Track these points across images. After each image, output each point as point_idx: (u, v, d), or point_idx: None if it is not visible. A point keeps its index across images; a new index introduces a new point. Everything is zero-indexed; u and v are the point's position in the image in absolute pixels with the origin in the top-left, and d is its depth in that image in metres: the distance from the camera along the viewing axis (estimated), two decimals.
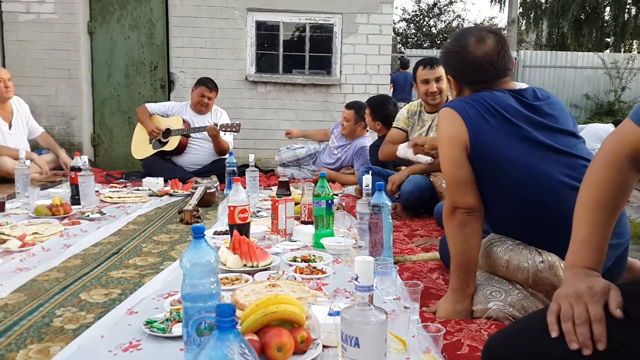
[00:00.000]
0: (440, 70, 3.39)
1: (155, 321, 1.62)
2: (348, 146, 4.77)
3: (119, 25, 6.37)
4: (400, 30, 24.05)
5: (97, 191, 3.84)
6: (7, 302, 1.85)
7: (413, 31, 24.43)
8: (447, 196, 1.76)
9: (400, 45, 22.68)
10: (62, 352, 1.48)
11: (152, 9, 6.31)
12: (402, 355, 1.45)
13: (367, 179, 2.45)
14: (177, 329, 1.54)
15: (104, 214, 3.26)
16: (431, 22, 24.33)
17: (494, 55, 1.80)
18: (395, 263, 2.26)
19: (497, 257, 1.77)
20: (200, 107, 4.92)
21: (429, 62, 3.46)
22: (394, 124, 3.81)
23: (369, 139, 4.74)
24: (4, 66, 5.94)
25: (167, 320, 1.62)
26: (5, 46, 6.17)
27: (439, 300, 1.83)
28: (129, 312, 1.76)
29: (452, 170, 1.72)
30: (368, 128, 4.63)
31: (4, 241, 2.50)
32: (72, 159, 3.68)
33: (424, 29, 24.22)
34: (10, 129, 4.62)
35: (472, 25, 23.34)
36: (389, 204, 2.16)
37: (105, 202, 3.70)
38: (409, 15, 24.34)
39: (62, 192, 3.87)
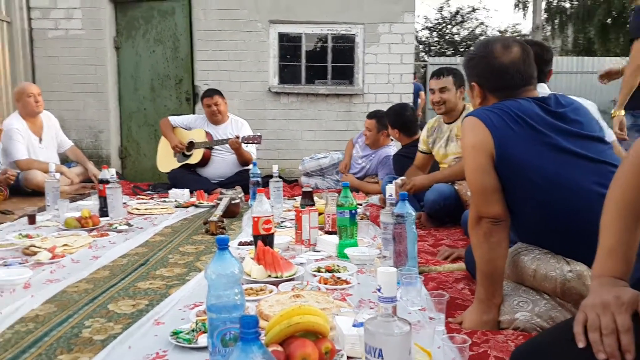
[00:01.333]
0: (446, 81, 3.46)
1: (181, 332, 1.64)
2: (373, 155, 4.76)
3: (144, 39, 6.49)
4: (423, 39, 23.97)
5: (124, 203, 3.91)
6: (38, 313, 1.89)
7: (436, 39, 24.32)
8: (472, 205, 1.73)
9: (423, 53, 22.60)
10: None
11: (177, 23, 6.41)
12: None
13: (391, 189, 2.44)
14: (203, 340, 1.55)
15: (132, 225, 3.31)
16: (454, 30, 24.20)
17: (520, 62, 1.80)
18: (420, 273, 2.24)
19: (524, 267, 1.75)
20: (215, 117, 4.98)
21: (437, 73, 3.55)
22: (419, 146, 3.81)
23: (393, 148, 4.73)
24: (34, 81, 6.09)
25: (193, 331, 1.63)
26: (36, 62, 6.35)
27: (464, 310, 1.81)
28: (155, 323, 1.78)
29: (477, 178, 1.70)
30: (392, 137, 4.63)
31: (35, 253, 2.56)
32: (100, 171, 3.75)
33: (447, 37, 24.09)
34: (40, 142, 4.74)
35: (497, 32, 23.21)
36: (413, 213, 2.14)
37: (133, 213, 3.76)
38: (432, 23, 24.27)
39: (91, 204, 3.94)
